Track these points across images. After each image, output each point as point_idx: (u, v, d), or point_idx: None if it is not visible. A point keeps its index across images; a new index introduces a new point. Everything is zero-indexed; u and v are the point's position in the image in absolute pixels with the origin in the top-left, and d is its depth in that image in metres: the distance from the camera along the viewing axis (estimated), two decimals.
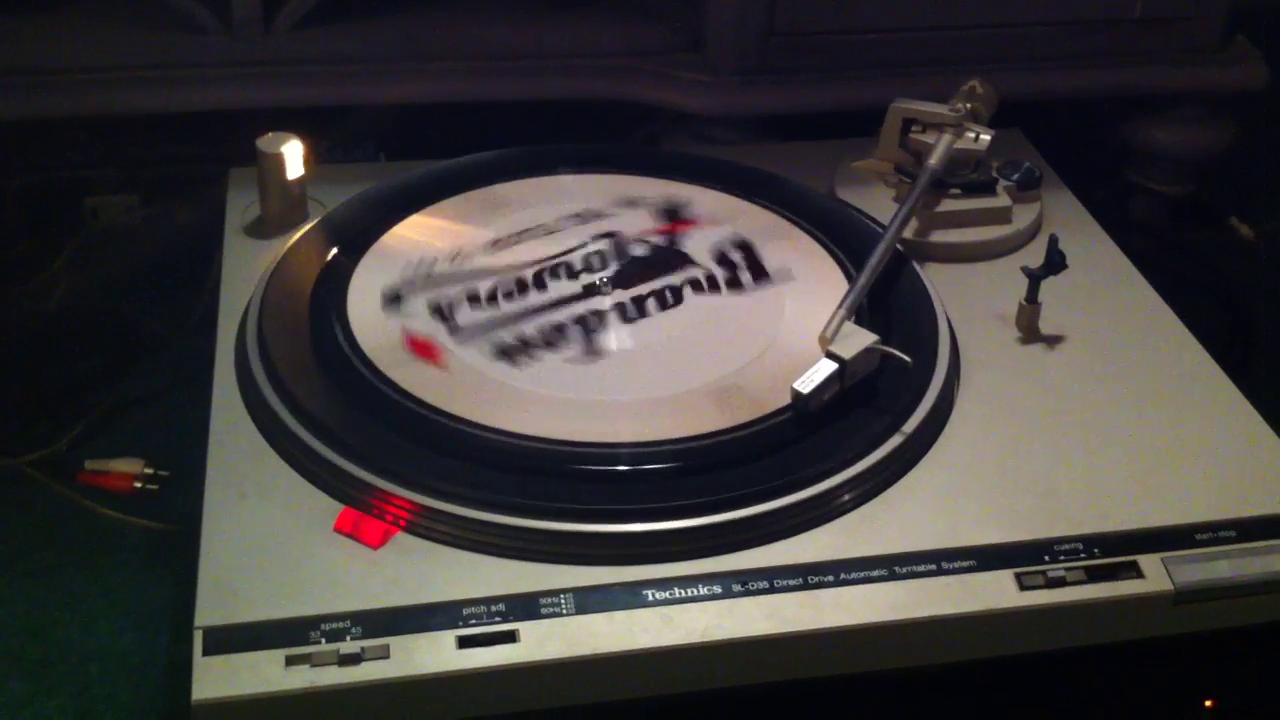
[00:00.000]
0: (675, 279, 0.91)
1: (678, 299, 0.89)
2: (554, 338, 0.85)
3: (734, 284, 0.91)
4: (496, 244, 0.92)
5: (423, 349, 0.83)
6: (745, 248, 0.93)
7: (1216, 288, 1.27)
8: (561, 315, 0.87)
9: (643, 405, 0.80)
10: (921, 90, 1.02)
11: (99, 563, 0.97)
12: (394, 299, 0.87)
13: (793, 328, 0.86)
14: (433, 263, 0.90)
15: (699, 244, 0.94)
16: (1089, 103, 1.26)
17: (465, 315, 0.86)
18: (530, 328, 0.86)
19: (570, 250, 0.92)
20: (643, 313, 0.88)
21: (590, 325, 0.86)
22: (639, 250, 0.93)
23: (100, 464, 1.00)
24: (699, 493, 0.74)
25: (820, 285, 0.90)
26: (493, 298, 0.88)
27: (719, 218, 0.96)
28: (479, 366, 0.82)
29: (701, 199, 0.98)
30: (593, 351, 0.84)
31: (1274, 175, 1.38)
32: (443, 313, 0.86)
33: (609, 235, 0.94)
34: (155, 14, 1.11)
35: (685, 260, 0.92)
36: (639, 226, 0.95)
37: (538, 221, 0.95)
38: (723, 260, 0.92)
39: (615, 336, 0.86)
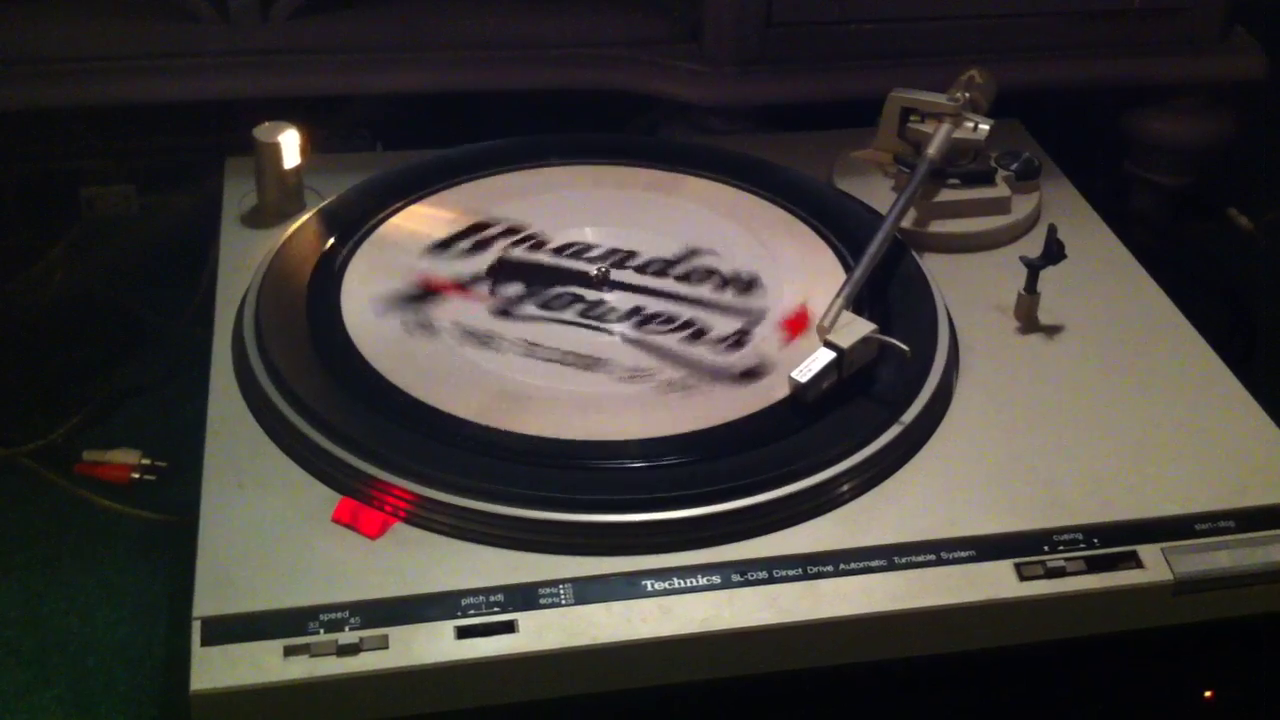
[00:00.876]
0: (679, 275, 0.90)
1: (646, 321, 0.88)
2: (546, 325, 0.85)
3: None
4: (510, 229, 0.93)
5: (441, 287, 0.84)
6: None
7: (1215, 279, 1.26)
8: (557, 305, 0.87)
9: (641, 396, 0.80)
10: (920, 80, 1.02)
11: (96, 553, 0.97)
12: (391, 288, 0.87)
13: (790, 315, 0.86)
14: (441, 242, 0.91)
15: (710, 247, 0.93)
16: (1088, 94, 1.26)
17: (462, 296, 0.87)
18: (523, 312, 0.86)
19: (580, 241, 0.92)
20: (637, 309, 0.87)
21: (585, 317, 0.86)
22: (651, 252, 0.92)
23: (97, 454, 1.00)
24: (698, 483, 0.74)
25: (818, 275, 0.90)
26: (492, 281, 0.88)
27: (734, 214, 0.96)
28: (461, 348, 0.82)
29: (718, 194, 0.98)
30: (582, 344, 0.84)
31: (1273, 166, 1.38)
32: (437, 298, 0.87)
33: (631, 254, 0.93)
34: (151, 3, 1.10)
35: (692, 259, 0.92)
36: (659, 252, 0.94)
37: (555, 209, 0.95)
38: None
39: (608, 330, 0.86)
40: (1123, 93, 1.26)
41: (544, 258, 0.91)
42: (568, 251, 0.91)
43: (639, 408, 0.79)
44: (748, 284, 0.90)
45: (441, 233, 0.92)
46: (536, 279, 0.89)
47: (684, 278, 0.90)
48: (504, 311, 0.86)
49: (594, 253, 0.92)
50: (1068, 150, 1.08)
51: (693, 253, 0.92)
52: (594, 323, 0.86)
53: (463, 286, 0.87)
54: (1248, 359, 1.17)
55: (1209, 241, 1.31)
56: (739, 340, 0.85)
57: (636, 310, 0.87)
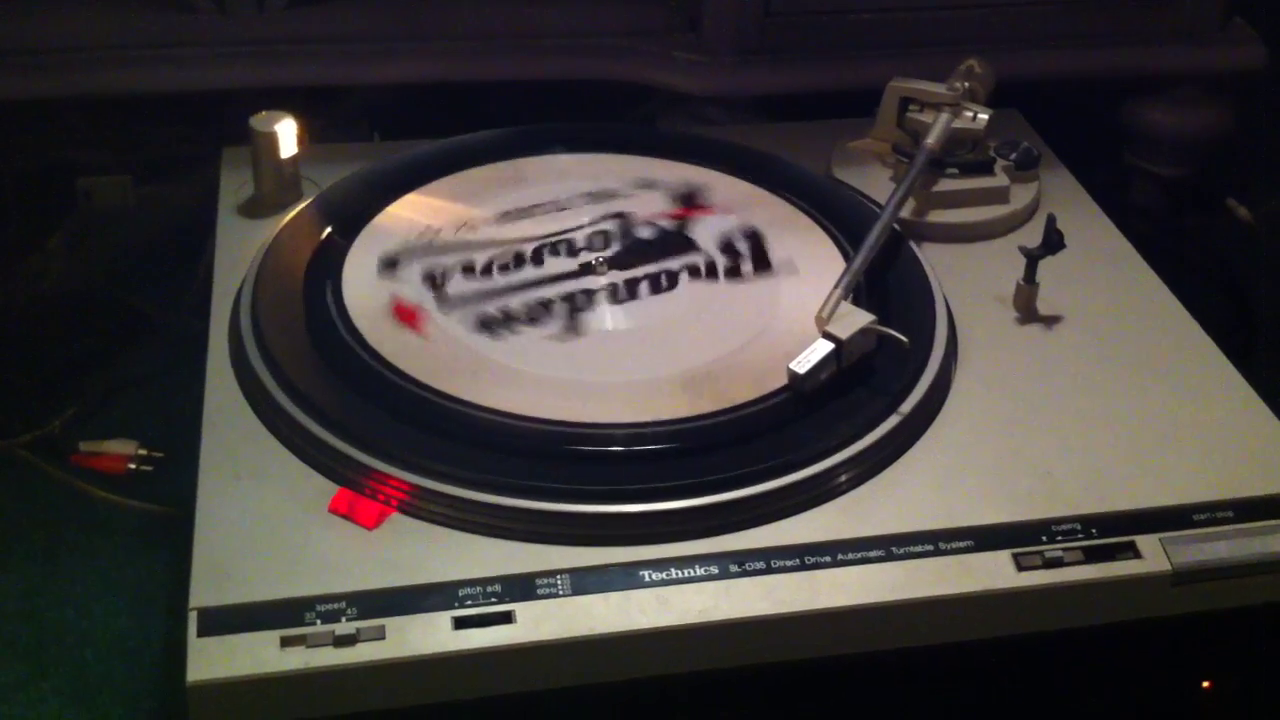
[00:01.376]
0: (674, 264, 0.90)
1: (672, 283, 0.88)
2: (538, 313, 0.85)
3: (733, 273, 0.90)
4: (505, 215, 0.92)
5: (406, 315, 0.83)
6: (753, 237, 0.93)
7: (1215, 269, 1.26)
8: (551, 292, 0.87)
9: (637, 386, 0.80)
10: (919, 70, 1.02)
11: (94, 545, 0.97)
12: (391, 264, 0.87)
13: (789, 308, 0.86)
14: (438, 231, 0.90)
15: (707, 231, 0.93)
16: (1087, 84, 1.26)
17: (456, 285, 0.86)
18: (516, 301, 0.85)
19: (576, 228, 0.92)
20: (633, 295, 0.87)
21: (578, 304, 0.86)
22: (645, 233, 0.92)
23: (94, 445, 1.00)
24: (696, 473, 0.74)
25: (817, 265, 0.89)
26: (488, 270, 0.87)
27: (733, 206, 0.96)
28: (458, 336, 0.82)
29: (719, 184, 0.98)
30: (576, 330, 0.84)
31: (1271, 157, 1.38)
32: (434, 281, 0.86)
33: (618, 216, 0.93)
34: None
35: (689, 246, 0.92)
36: (652, 209, 0.94)
37: (550, 197, 0.94)
38: (727, 248, 0.92)
39: (602, 316, 0.85)
40: (1122, 83, 1.26)
41: (548, 243, 0.91)
42: (572, 237, 0.91)
43: (635, 398, 0.79)
44: (749, 283, 0.90)
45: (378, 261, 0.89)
46: (538, 266, 0.89)
47: (681, 272, 0.90)
48: (495, 292, 0.86)
49: (598, 241, 0.91)
50: (1066, 141, 1.07)
51: (696, 248, 0.92)
52: (581, 311, 0.86)
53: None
54: (1247, 349, 1.17)
55: (1208, 232, 1.31)
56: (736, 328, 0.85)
57: (627, 299, 0.87)
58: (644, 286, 0.88)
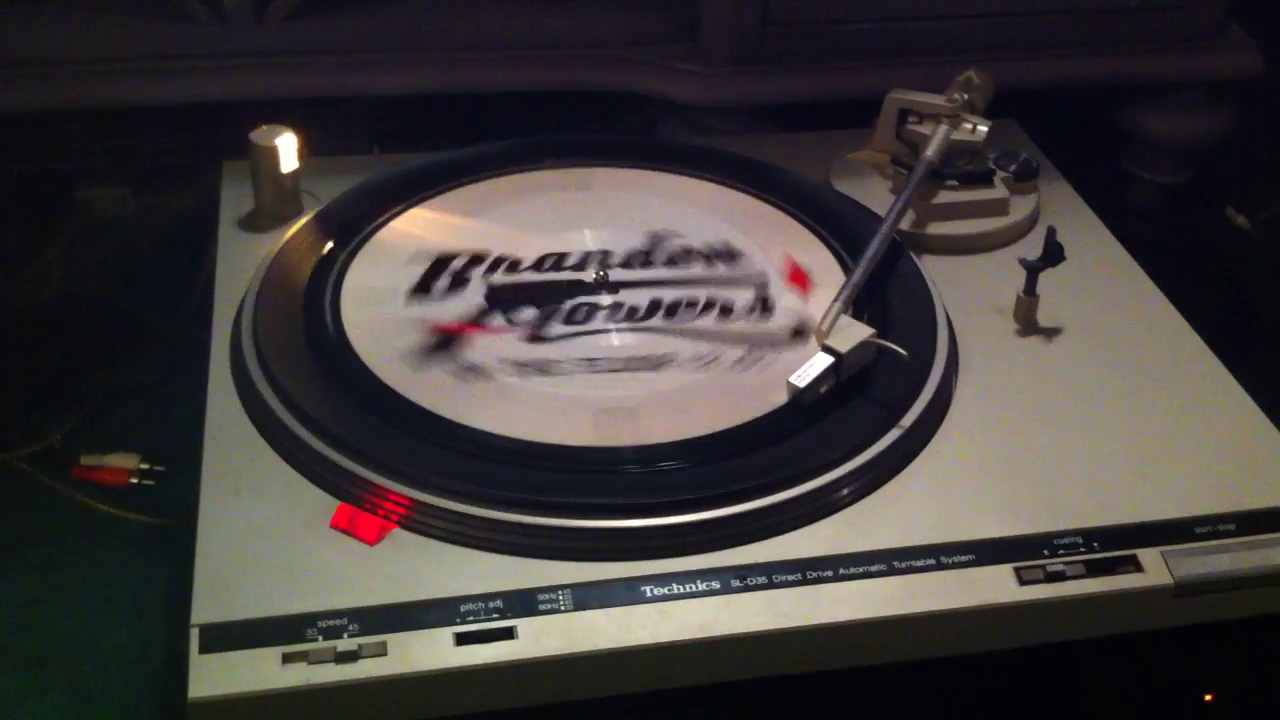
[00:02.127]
0: (675, 290, 0.90)
1: (673, 311, 0.88)
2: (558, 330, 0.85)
3: (726, 312, 0.89)
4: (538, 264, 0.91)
5: (457, 329, 0.83)
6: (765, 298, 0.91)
7: (1214, 276, 1.26)
8: (566, 307, 0.87)
9: (641, 400, 0.80)
10: (917, 79, 1.02)
11: (94, 557, 0.97)
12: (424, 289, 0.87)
13: (789, 320, 0.86)
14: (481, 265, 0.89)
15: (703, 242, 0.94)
16: (1085, 91, 1.26)
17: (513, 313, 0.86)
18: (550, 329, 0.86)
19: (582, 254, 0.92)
20: (637, 317, 0.87)
21: (591, 321, 0.86)
22: (642, 249, 0.93)
23: (95, 459, 1.00)
24: (697, 488, 0.74)
25: (816, 277, 0.89)
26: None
27: (732, 218, 0.96)
28: (510, 351, 0.82)
29: (717, 196, 0.98)
30: (595, 349, 0.84)
31: (1270, 164, 1.38)
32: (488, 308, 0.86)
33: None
34: (146, 5, 1.10)
35: (687, 263, 0.92)
36: (651, 224, 0.94)
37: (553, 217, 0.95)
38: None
39: (614, 337, 0.86)
40: (1119, 90, 1.26)
41: (532, 275, 0.90)
42: (566, 263, 0.91)
43: (637, 414, 0.79)
44: (730, 255, 0.91)
45: (408, 278, 0.88)
46: (544, 298, 0.88)
47: (672, 264, 0.90)
48: (537, 337, 0.85)
49: (583, 258, 0.91)
50: (1064, 148, 1.08)
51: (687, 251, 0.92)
52: (626, 325, 0.86)
53: (479, 324, 0.85)
54: (1248, 357, 1.17)
55: (1206, 239, 1.31)
56: (765, 305, 0.86)
57: (657, 304, 0.87)
58: (645, 308, 0.88)
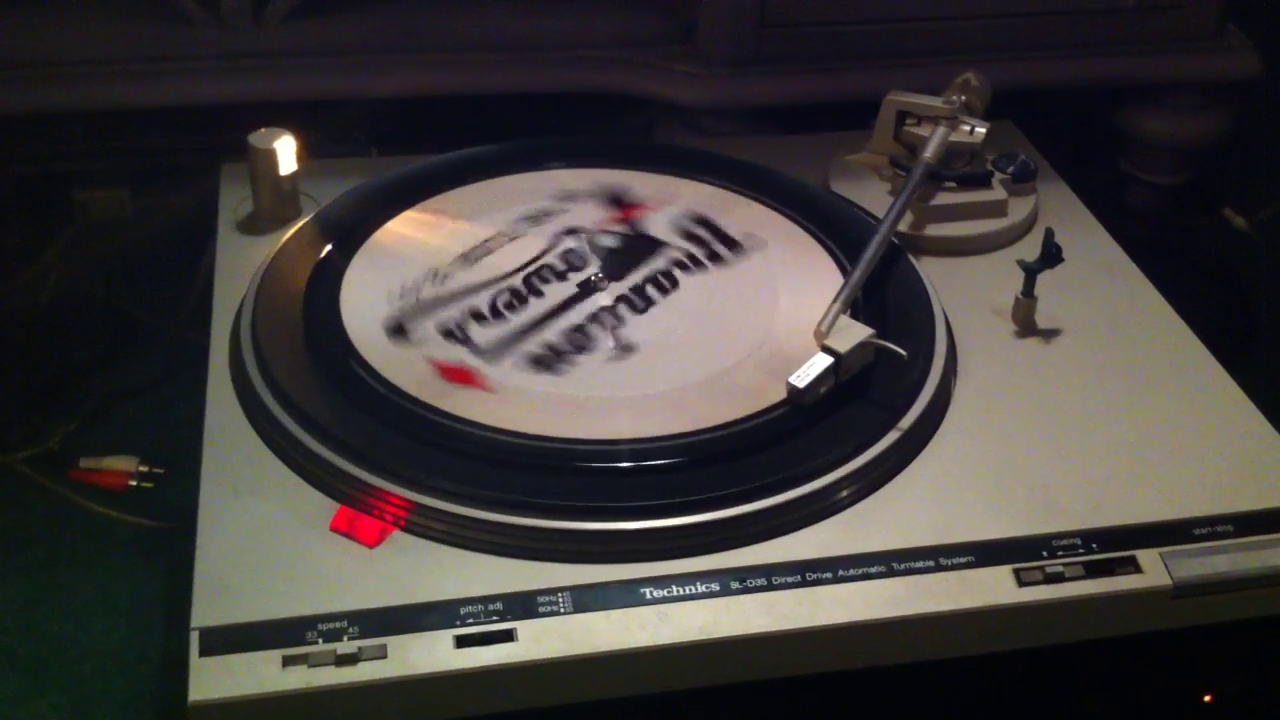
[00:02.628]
0: (659, 263, 0.90)
1: (673, 282, 0.89)
2: (581, 340, 0.84)
3: (713, 257, 0.91)
4: (467, 257, 0.91)
5: (460, 376, 0.81)
6: (704, 222, 0.94)
7: (1212, 278, 1.26)
8: (575, 316, 0.86)
9: (638, 401, 0.80)
10: (916, 81, 1.02)
11: (92, 559, 0.97)
12: (398, 330, 0.84)
13: (788, 321, 0.86)
14: (417, 288, 0.88)
15: (659, 226, 0.94)
16: (1082, 92, 1.26)
17: (481, 334, 0.84)
18: (552, 334, 0.85)
19: (543, 253, 0.92)
20: (648, 301, 0.88)
21: (606, 322, 0.86)
22: (609, 241, 0.93)
23: (94, 462, 1.00)
24: (696, 489, 0.74)
25: (815, 279, 0.89)
26: (497, 312, 0.86)
27: (665, 198, 0.97)
28: (519, 381, 0.81)
29: (712, 198, 0.98)
30: (622, 347, 0.84)
31: (1268, 165, 1.38)
32: (455, 335, 0.84)
33: (572, 232, 0.93)
34: (144, 6, 1.10)
35: (656, 243, 0.92)
36: (591, 218, 0.95)
37: (495, 229, 0.93)
38: (689, 237, 0.93)
39: (629, 331, 0.86)
40: (1117, 91, 1.26)
41: (532, 272, 0.90)
42: (549, 262, 0.91)
43: (636, 413, 0.79)
44: (732, 264, 0.91)
45: (402, 284, 0.87)
46: (539, 297, 0.88)
47: (673, 269, 0.91)
48: (524, 330, 0.85)
49: (575, 260, 0.91)
50: (1062, 149, 1.08)
51: (664, 244, 0.93)
52: (612, 328, 0.86)
53: (471, 369, 0.83)
54: (1247, 358, 1.17)
55: (1204, 241, 1.31)
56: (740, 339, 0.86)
57: (645, 307, 0.88)
58: (651, 291, 0.89)
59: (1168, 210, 1.31)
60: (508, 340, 0.84)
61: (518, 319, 0.86)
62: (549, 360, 0.83)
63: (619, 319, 0.86)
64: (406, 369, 0.81)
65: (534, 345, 0.84)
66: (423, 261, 0.90)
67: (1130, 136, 1.28)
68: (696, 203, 0.96)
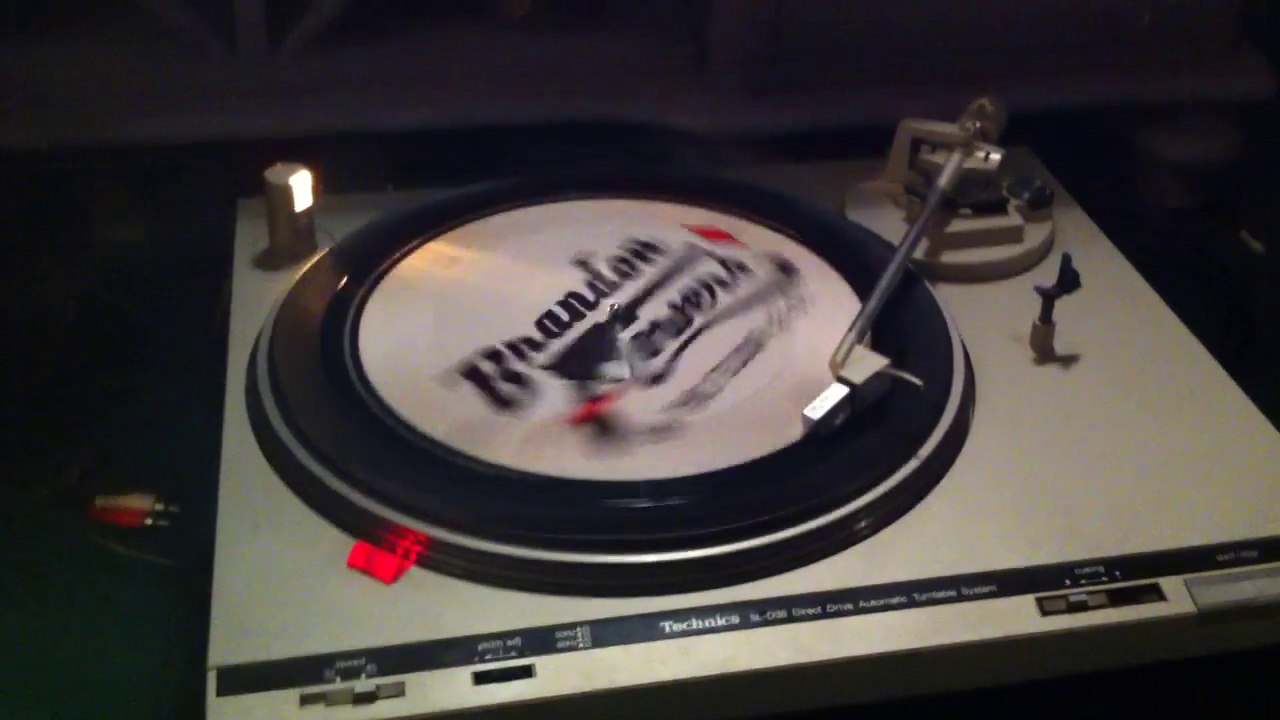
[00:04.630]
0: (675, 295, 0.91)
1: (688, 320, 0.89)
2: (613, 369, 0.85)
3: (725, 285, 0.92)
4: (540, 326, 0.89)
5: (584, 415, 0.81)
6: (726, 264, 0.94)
7: (1229, 302, 1.26)
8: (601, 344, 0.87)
9: (656, 434, 0.80)
10: (930, 106, 1.02)
11: (111, 595, 0.96)
12: (471, 373, 0.84)
13: (803, 351, 0.86)
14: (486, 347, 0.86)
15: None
16: (1096, 115, 1.25)
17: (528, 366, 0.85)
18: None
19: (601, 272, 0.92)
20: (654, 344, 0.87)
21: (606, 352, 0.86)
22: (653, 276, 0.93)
23: (110, 500, 0.99)
24: (714, 522, 0.73)
25: (831, 308, 0.89)
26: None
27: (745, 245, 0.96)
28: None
29: (729, 226, 0.98)
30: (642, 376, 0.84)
31: None
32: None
33: (636, 254, 0.94)
34: (158, 39, 1.10)
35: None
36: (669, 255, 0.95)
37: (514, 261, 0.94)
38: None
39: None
40: (1132, 113, 1.26)
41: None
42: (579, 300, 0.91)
43: (654, 448, 0.78)
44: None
45: (422, 325, 0.87)
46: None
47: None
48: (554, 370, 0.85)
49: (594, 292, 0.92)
50: (1077, 173, 1.07)
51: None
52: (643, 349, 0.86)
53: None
54: (1261, 380, 1.16)
55: (1220, 263, 1.30)
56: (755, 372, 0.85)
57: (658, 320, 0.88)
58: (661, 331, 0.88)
59: (1183, 233, 1.31)
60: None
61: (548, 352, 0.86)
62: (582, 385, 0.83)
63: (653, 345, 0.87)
64: (439, 409, 0.80)
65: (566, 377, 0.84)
66: (440, 306, 0.89)
67: (1145, 159, 1.28)
68: (772, 258, 0.95)
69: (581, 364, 0.85)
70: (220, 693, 0.66)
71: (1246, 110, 1.25)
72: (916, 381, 0.79)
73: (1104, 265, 0.97)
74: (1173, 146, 1.27)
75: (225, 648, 0.68)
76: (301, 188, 0.93)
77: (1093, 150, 1.26)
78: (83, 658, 0.92)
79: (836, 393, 0.78)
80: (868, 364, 0.80)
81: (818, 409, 0.77)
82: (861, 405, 0.79)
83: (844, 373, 0.79)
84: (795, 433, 0.79)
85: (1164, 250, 1.28)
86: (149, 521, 0.98)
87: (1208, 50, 1.22)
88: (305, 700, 0.66)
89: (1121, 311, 0.93)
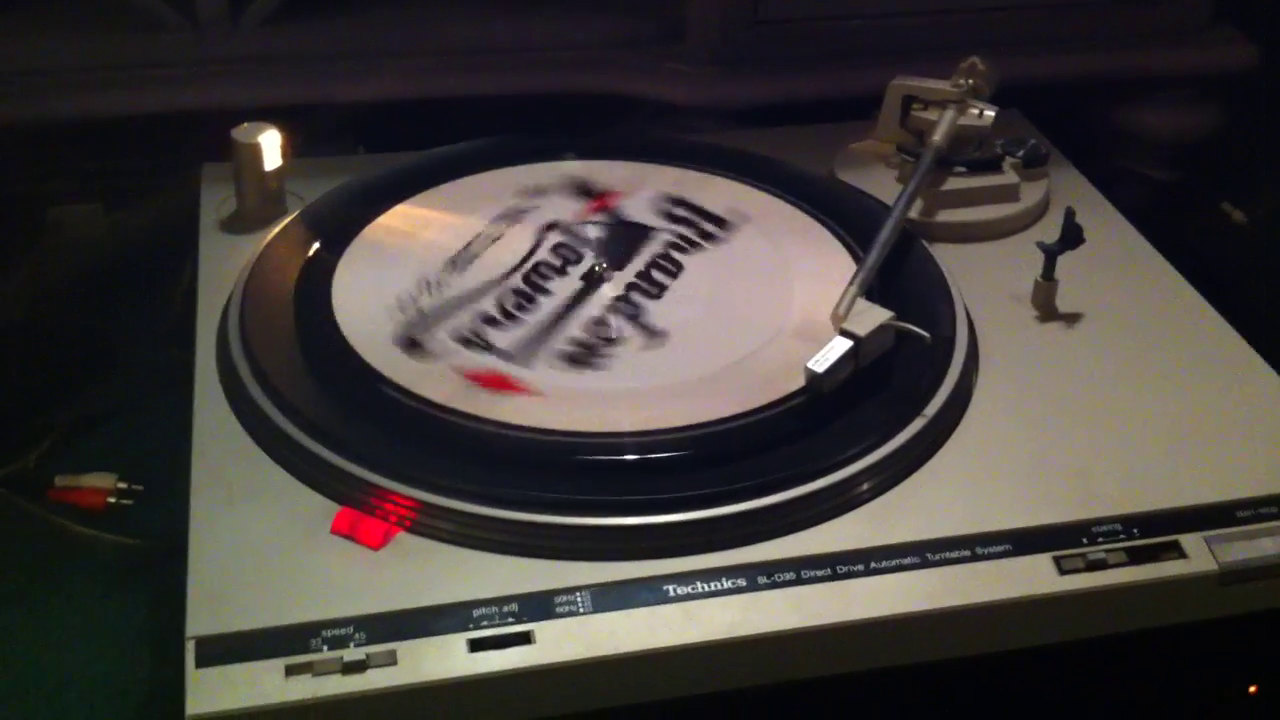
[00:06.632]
0: (655, 246, 0.88)
1: (677, 265, 0.87)
2: (605, 331, 0.82)
3: (705, 235, 0.90)
4: (455, 262, 0.87)
5: (497, 383, 0.77)
6: (681, 202, 0.92)
7: (1211, 273, 1.24)
8: (594, 309, 0.84)
9: (652, 392, 0.77)
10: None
11: (71, 583, 0.92)
12: (413, 344, 0.80)
13: (800, 311, 0.83)
14: (414, 299, 0.83)
15: (639, 211, 0.92)
16: (1077, 88, 1.24)
17: (501, 338, 0.81)
18: (575, 329, 0.82)
19: (533, 249, 0.89)
20: (659, 286, 0.86)
21: (626, 312, 0.83)
22: (595, 232, 0.90)
23: (70, 480, 0.95)
24: (718, 481, 0.71)
25: (827, 267, 0.87)
26: (509, 314, 0.83)
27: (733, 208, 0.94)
28: (558, 380, 0.78)
29: (718, 187, 0.95)
30: (653, 335, 0.82)
31: (1267, 159, 1.37)
32: (475, 342, 0.80)
33: (553, 226, 0.91)
34: (115, 13, 1.07)
35: (644, 228, 0.91)
36: (567, 210, 0.92)
37: (473, 231, 0.90)
38: (672, 218, 0.91)
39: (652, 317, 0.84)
40: (1113, 85, 1.25)
41: (527, 271, 0.87)
42: (545, 259, 0.88)
43: (651, 404, 0.75)
44: (726, 240, 0.90)
45: (396, 285, 0.84)
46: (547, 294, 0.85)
47: (669, 251, 0.89)
48: (545, 329, 0.82)
49: (570, 255, 0.89)
50: (1059, 146, 1.06)
51: (651, 227, 0.91)
52: (636, 318, 0.83)
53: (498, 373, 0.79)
54: None
55: (1202, 234, 1.29)
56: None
57: (658, 294, 0.86)
58: (658, 276, 0.86)
59: (1165, 205, 1.29)
60: (533, 341, 0.81)
61: (533, 318, 0.82)
62: (583, 356, 0.79)
63: (636, 306, 0.83)
64: (427, 379, 0.77)
65: (563, 344, 0.80)
66: (412, 267, 0.86)
67: (1126, 132, 1.27)
68: (665, 185, 0.94)
69: (563, 321, 0.82)
70: (200, 664, 0.63)
71: (1226, 82, 1.24)
72: (923, 333, 0.77)
73: (1101, 222, 0.95)
74: (1153, 119, 1.26)
75: (204, 617, 0.65)
76: (271, 147, 0.90)
77: (1074, 123, 1.25)
78: (43, 651, 0.88)
79: (840, 345, 0.75)
80: (871, 317, 0.77)
81: (821, 362, 0.75)
82: (866, 360, 0.76)
83: (847, 325, 0.76)
84: (799, 385, 0.76)
85: (1145, 222, 1.27)
86: (112, 500, 0.94)
87: (1185, 22, 1.21)
88: (291, 671, 0.63)
89: (1123, 268, 0.91)
